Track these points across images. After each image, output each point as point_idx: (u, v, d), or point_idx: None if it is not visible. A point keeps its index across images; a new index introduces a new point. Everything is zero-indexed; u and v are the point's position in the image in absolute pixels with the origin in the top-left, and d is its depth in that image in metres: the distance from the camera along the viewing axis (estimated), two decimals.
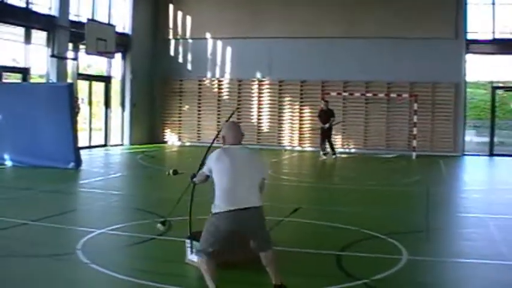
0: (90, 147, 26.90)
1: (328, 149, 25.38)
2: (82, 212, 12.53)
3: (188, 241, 8.05)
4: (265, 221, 7.06)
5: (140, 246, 9.45)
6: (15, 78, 23.73)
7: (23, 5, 22.96)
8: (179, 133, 31.37)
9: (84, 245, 9.07)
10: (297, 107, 29.54)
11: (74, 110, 19.95)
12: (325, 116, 25.32)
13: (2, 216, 11.04)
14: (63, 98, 18.88)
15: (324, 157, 25.15)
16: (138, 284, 7.39)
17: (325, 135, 25.43)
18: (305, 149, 28.91)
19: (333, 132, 26.44)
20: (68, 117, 18.85)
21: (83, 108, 25.79)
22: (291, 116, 29.71)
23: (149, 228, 10.41)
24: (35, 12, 23.56)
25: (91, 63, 29.23)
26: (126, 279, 7.49)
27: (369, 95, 28.18)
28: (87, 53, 24.45)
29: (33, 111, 18.95)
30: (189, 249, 8.04)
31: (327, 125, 25.19)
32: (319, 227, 11.09)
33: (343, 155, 27.19)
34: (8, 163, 19.31)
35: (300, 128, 29.42)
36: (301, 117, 29.40)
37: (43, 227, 10.42)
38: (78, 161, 19.19)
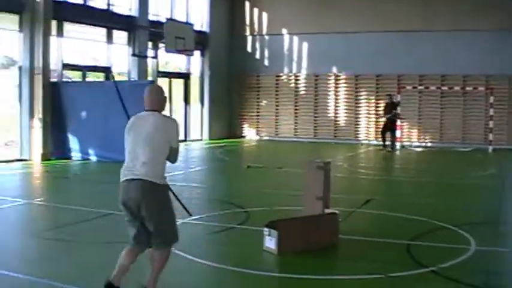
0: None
1: (388, 142, 25.75)
2: None
3: (266, 229, 8.55)
4: (164, 206, 6.43)
5: (221, 235, 10.11)
6: (96, 76, 24.86)
7: (104, 7, 23.95)
8: (257, 128, 31.94)
9: None
10: (373, 101, 29.76)
11: None
12: (389, 108, 25.64)
13: (88, 207, 11.89)
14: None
15: (386, 149, 25.54)
16: (218, 268, 8.00)
17: (387, 127, 25.74)
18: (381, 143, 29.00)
19: (408, 126, 26.67)
20: None
21: None
22: (367, 110, 29.98)
23: (229, 218, 11.09)
24: (116, 14, 24.63)
25: (170, 60, 30.08)
26: (207, 264, 8.08)
27: (444, 88, 28.15)
28: (167, 51, 25.21)
29: (116, 108, 19.75)
30: (266, 237, 8.53)
31: (387, 116, 25.50)
32: (391, 218, 11.44)
33: (419, 149, 27.36)
34: (93, 158, 20.26)
35: (376, 121, 29.57)
36: (377, 111, 29.49)
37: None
38: None
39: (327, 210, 9.26)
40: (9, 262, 8.18)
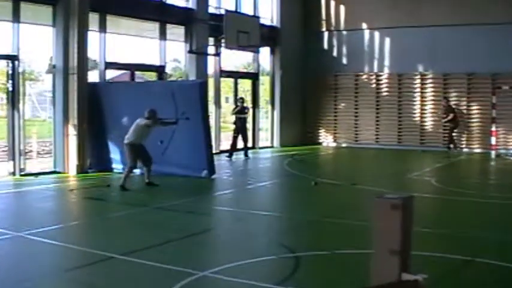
0: (235, 150, 24.82)
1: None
2: (191, 243, 9.83)
3: None
4: None
5: None
6: (150, 76, 22.74)
7: None
8: (334, 133, 28.89)
9: None
10: (464, 103, 26.14)
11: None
12: (445, 112, 25.65)
13: (89, 247, 8.99)
14: (194, 97, 16.55)
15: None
16: None
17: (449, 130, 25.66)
18: (474, 150, 25.51)
19: (505, 132, 25.04)
20: (200, 118, 16.50)
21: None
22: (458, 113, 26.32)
23: (268, 270, 7.94)
24: (171, 5, 22.07)
25: (236, 59, 27.62)
26: None
27: None
28: (227, 47, 22.39)
29: (161, 112, 16.65)
30: None
31: (443, 120, 25.79)
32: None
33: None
34: (136, 171, 17.14)
35: (468, 126, 26.03)
36: (469, 114, 25.97)
37: (133, 264, 8.07)
38: (211, 169, 16.89)
39: (406, 276, 5.99)
40: None
